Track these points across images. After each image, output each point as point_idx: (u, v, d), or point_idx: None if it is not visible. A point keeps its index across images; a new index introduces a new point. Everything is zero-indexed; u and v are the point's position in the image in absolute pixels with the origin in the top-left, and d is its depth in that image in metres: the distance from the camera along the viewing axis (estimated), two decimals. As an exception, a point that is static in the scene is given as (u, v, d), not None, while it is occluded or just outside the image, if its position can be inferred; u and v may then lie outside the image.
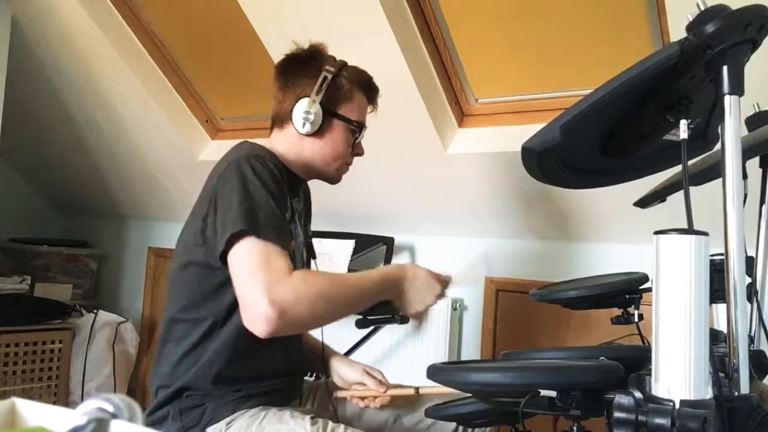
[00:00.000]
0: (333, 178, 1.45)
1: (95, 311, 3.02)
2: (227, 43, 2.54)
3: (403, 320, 2.41)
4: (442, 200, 2.41)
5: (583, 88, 1.95)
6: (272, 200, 1.18)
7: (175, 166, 2.94)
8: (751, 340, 1.08)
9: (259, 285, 1.08)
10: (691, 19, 0.81)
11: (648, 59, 0.82)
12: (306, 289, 1.11)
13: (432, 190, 2.38)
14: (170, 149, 2.89)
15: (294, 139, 1.37)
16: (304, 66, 1.37)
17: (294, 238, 1.35)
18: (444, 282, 1.33)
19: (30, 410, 0.66)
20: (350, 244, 2.54)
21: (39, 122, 3.21)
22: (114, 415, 0.64)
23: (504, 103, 2.20)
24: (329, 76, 1.35)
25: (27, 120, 3.18)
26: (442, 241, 2.57)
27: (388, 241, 2.54)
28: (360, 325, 2.24)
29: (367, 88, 1.43)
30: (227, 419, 1.24)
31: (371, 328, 2.38)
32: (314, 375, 2.33)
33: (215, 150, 2.82)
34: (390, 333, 2.53)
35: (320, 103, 1.34)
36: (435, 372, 0.98)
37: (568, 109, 0.86)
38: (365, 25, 1.97)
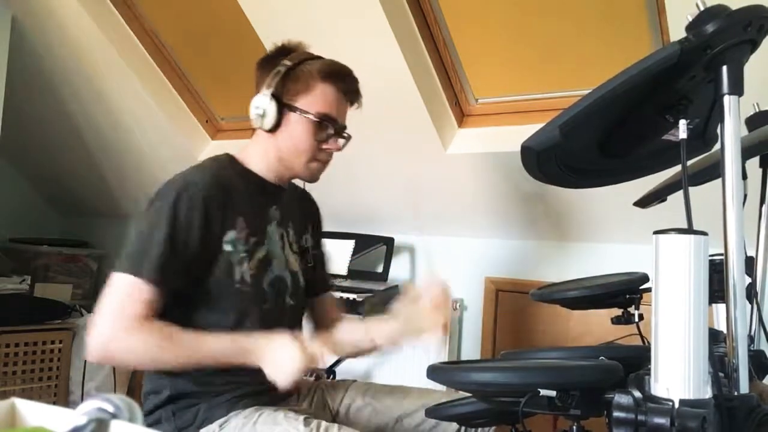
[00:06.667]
0: (304, 176, 1.38)
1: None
2: (227, 43, 2.54)
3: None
4: (442, 200, 2.41)
5: (582, 88, 1.95)
6: (169, 239, 1.18)
7: (175, 166, 2.89)
8: (751, 340, 1.08)
9: (99, 317, 1.16)
10: (690, 19, 0.81)
11: (648, 59, 0.82)
12: (131, 342, 1.15)
13: (432, 190, 2.38)
14: (170, 149, 2.89)
15: (261, 140, 1.35)
16: (268, 64, 1.33)
17: (270, 247, 1.33)
18: (311, 357, 1.16)
19: (30, 410, 0.66)
20: (350, 244, 2.54)
21: (39, 122, 3.21)
22: (114, 415, 0.64)
23: (504, 103, 2.20)
24: (282, 69, 1.30)
25: (27, 120, 3.18)
26: (442, 241, 2.57)
27: (388, 242, 2.54)
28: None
29: (332, 77, 1.32)
30: (220, 420, 1.23)
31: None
32: (314, 375, 2.33)
33: (215, 150, 2.81)
34: (390, 333, 2.53)
35: (274, 97, 1.29)
36: (435, 372, 0.98)
37: (568, 109, 0.86)
38: (365, 25, 1.98)
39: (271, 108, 1.29)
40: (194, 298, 1.26)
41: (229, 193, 1.27)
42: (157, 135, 2.87)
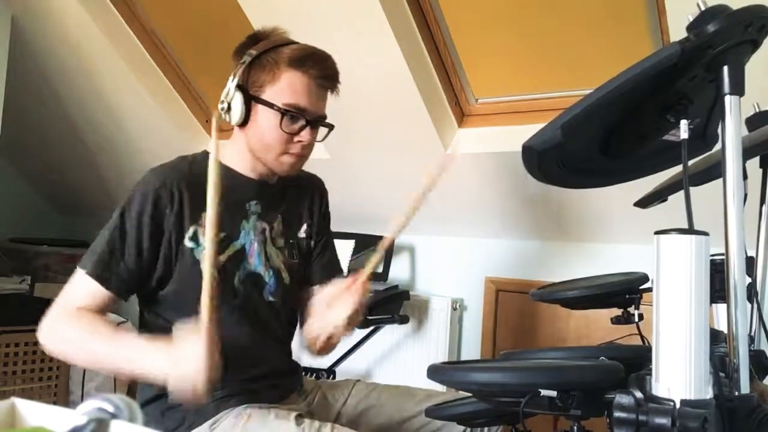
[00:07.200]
0: (278, 171, 1.31)
1: (95, 311, 3.01)
2: (227, 43, 2.53)
3: (403, 320, 2.41)
4: (442, 200, 2.41)
5: (583, 89, 1.95)
6: (113, 240, 1.20)
7: (175, 166, 2.94)
8: (751, 340, 1.08)
9: (51, 306, 1.20)
10: (691, 19, 0.81)
11: (648, 59, 0.82)
12: (67, 331, 1.18)
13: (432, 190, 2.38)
14: (170, 149, 2.86)
15: (236, 135, 1.31)
16: (238, 54, 1.27)
17: (245, 242, 1.30)
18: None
19: (30, 410, 0.66)
20: (350, 244, 2.54)
21: (39, 122, 3.21)
22: (114, 415, 0.64)
23: (504, 103, 2.20)
24: (248, 59, 1.23)
25: (27, 120, 3.18)
26: (442, 241, 2.57)
27: (388, 241, 2.53)
28: (360, 325, 2.24)
29: (300, 64, 1.22)
30: (210, 421, 1.21)
31: (371, 328, 2.38)
32: (315, 374, 2.33)
33: (215, 150, 2.82)
34: (390, 333, 2.53)
35: (240, 89, 1.23)
36: (435, 372, 0.98)
37: (569, 109, 0.86)
38: (365, 26, 1.97)
39: (236, 101, 1.24)
40: (163, 298, 1.26)
41: (191, 189, 1.24)
42: (157, 135, 2.87)
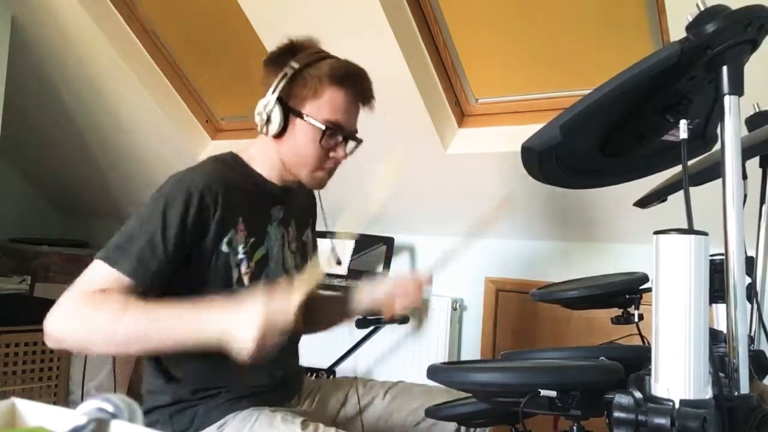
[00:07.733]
0: (310, 185, 1.34)
1: (95, 311, 3.01)
2: (227, 43, 2.54)
3: (403, 320, 2.41)
4: (442, 200, 2.41)
5: (583, 89, 1.95)
6: (153, 239, 1.14)
7: (175, 166, 2.90)
8: (751, 340, 1.08)
9: (63, 295, 1.13)
10: (691, 19, 0.81)
11: (648, 59, 0.82)
12: (81, 324, 1.10)
13: (432, 190, 2.38)
14: (170, 149, 2.89)
15: (265, 143, 1.30)
16: (275, 63, 1.26)
17: (269, 247, 1.30)
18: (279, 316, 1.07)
19: (30, 410, 0.66)
20: (350, 244, 2.54)
21: (39, 122, 3.21)
22: (114, 415, 0.64)
23: (504, 103, 2.20)
24: (289, 72, 1.23)
25: (27, 120, 3.18)
26: (442, 241, 2.56)
27: (388, 241, 2.54)
28: (360, 325, 2.24)
29: (342, 81, 1.25)
30: (218, 423, 1.21)
31: (371, 328, 2.38)
32: (315, 374, 2.33)
33: (215, 150, 2.80)
34: (390, 333, 2.53)
35: (280, 101, 1.23)
36: (435, 372, 0.98)
37: (569, 109, 0.86)
38: (365, 26, 1.97)
39: (276, 114, 1.24)
40: (188, 294, 1.22)
41: (229, 193, 1.23)
42: (157, 135, 2.87)
